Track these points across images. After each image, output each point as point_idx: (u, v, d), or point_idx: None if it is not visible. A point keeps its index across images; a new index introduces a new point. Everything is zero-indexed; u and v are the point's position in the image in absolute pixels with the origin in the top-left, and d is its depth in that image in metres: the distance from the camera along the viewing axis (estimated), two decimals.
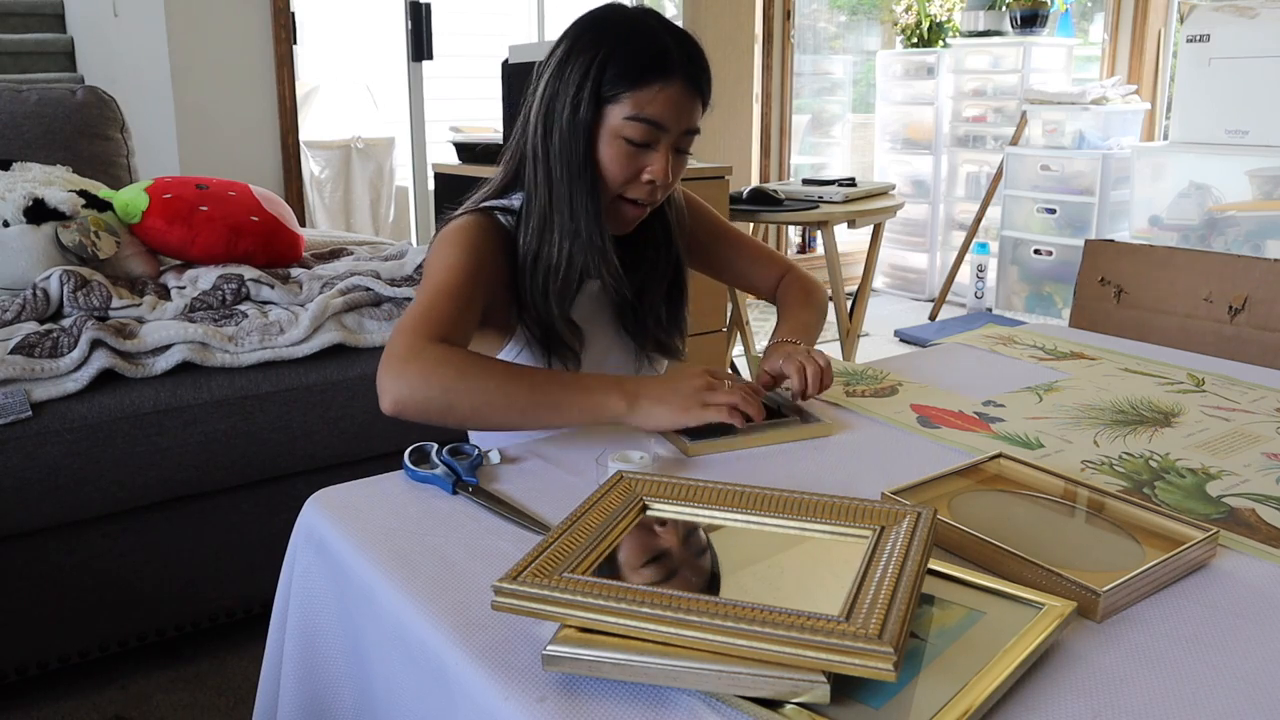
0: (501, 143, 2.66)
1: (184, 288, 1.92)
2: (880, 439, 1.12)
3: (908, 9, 5.13)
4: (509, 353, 1.23)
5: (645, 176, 1.14)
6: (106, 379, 1.61)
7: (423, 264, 1.24)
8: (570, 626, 0.65)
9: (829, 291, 1.49)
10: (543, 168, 1.15)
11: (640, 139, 1.12)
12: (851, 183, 3.37)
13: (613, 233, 1.18)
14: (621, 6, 1.17)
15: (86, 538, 1.63)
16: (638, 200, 1.17)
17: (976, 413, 1.20)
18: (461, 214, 1.20)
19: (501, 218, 1.21)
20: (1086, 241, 2.05)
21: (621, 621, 0.63)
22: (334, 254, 2.32)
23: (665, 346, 1.32)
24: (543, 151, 1.15)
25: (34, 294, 1.75)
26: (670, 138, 1.13)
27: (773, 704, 0.61)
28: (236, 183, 2.17)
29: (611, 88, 1.11)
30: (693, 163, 2.24)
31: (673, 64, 1.11)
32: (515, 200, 1.21)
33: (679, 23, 1.30)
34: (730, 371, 1.07)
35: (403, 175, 4.73)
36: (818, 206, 3.10)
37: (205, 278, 1.93)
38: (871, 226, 3.37)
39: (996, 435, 1.12)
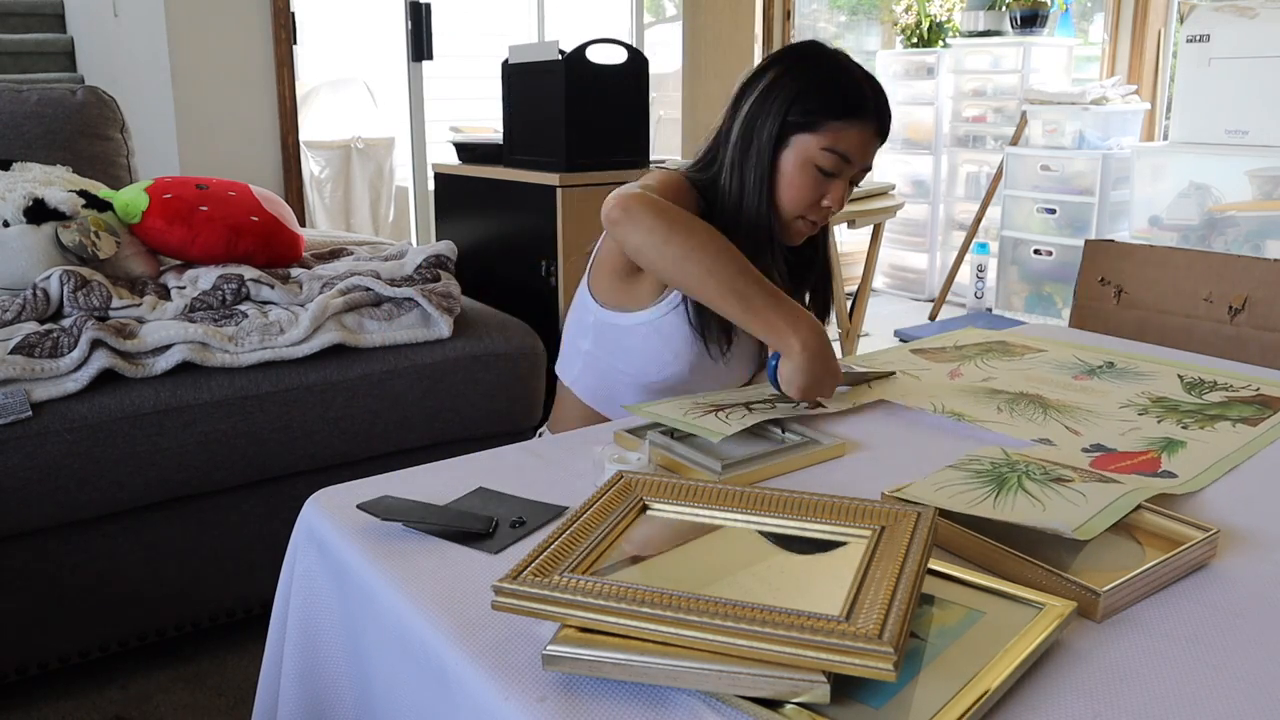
0: (500, 143, 2.66)
1: (184, 288, 1.92)
2: (880, 439, 1.12)
3: (908, 9, 5.13)
4: (659, 309, 1.32)
5: (825, 203, 1.29)
6: (106, 379, 1.61)
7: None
8: (570, 626, 0.65)
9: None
10: (738, 174, 1.29)
11: (830, 169, 1.27)
12: None
13: (786, 243, 1.34)
14: (823, 44, 1.32)
15: (86, 538, 1.63)
16: (814, 220, 1.32)
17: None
18: (665, 169, 1.33)
19: (694, 184, 1.33)
20: (1086, 241, 2.05)
21: (621, 621, 0.63)
22: (334, 254, 2.32)
23: None
24: (740, 164, 1.29)
25: (34, 294, 1.76)
26: (852, 171, 1.30)
27: (773, 704, 0.61)
28: (236, 183, 2.17)
29: (814, 116, 1.25)
30: None
31: (869, 107, 1.27)
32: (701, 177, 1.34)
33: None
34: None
35: (403, 175, 4.73)
36: None
37: (205, 278, 1.93)
38: (871, 226, 3.37)
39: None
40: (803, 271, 1.40)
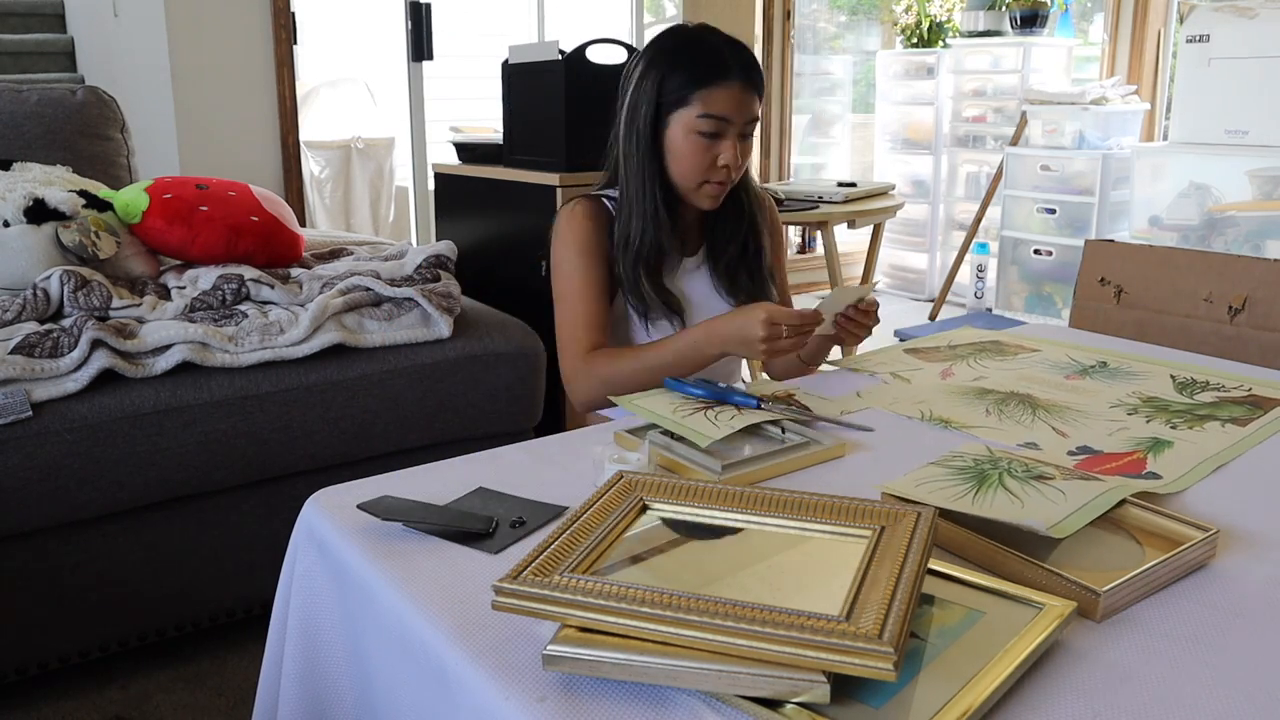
0: (501, 143, 2.66)
1: (184, 288, 1.92)
2: (879, 440, 1.12)
3: (908, 9, 5.13)
4: (620, 310, 1.50)
5: (720, 162, 1.40)
6: (106, 379, 1.61)
7: (549, 251, 1.51)
8: (570, 626, 0.65)
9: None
10: (627, 165, 1.43)
11: (710, 131, 1.38)
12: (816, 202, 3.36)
13: (705, 208, 1.47)
14: (684, 26, 1.44)
15: (86, 538, 1.63)
16: (718, 181, 1.42)
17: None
18: (569, 204, 1.49)
19: (606, 202, 1.49)
20: (1086, 241, 2.05)
21: (621, 621, 0.63)
22: (334, 254, 2.32)
23: (756, 296, 1.54)
24: (627, 152, 1.43)
25: (34, 294, 1.75)
26: (734, 128, 1.39)
27: (773, 704, 0.61)
28: (236, 183, 2.17)
29: (682, 91, 1.38)
30: None
31: (731, 67, 1.37)
32: (614, 192, 1.49)
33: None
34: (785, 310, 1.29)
35: (403, 175, 4.73)
36: (818, 206, 3.10)
37: (205, 278, 1.93)
38: (871, 226, 3.37)
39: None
40: (731, 225, 1.53)
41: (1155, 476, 1.01)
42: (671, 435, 1.09)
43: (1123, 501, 0.90)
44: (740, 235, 1.53)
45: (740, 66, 1.38)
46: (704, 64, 1.38)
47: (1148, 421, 1.18)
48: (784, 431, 1.10)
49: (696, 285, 1.53)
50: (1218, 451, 1.08)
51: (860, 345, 1.52)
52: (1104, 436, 1.13)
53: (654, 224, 1.43)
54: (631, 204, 1.44)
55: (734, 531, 0.79)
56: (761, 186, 1.61)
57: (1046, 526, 0.82)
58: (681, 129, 1.39)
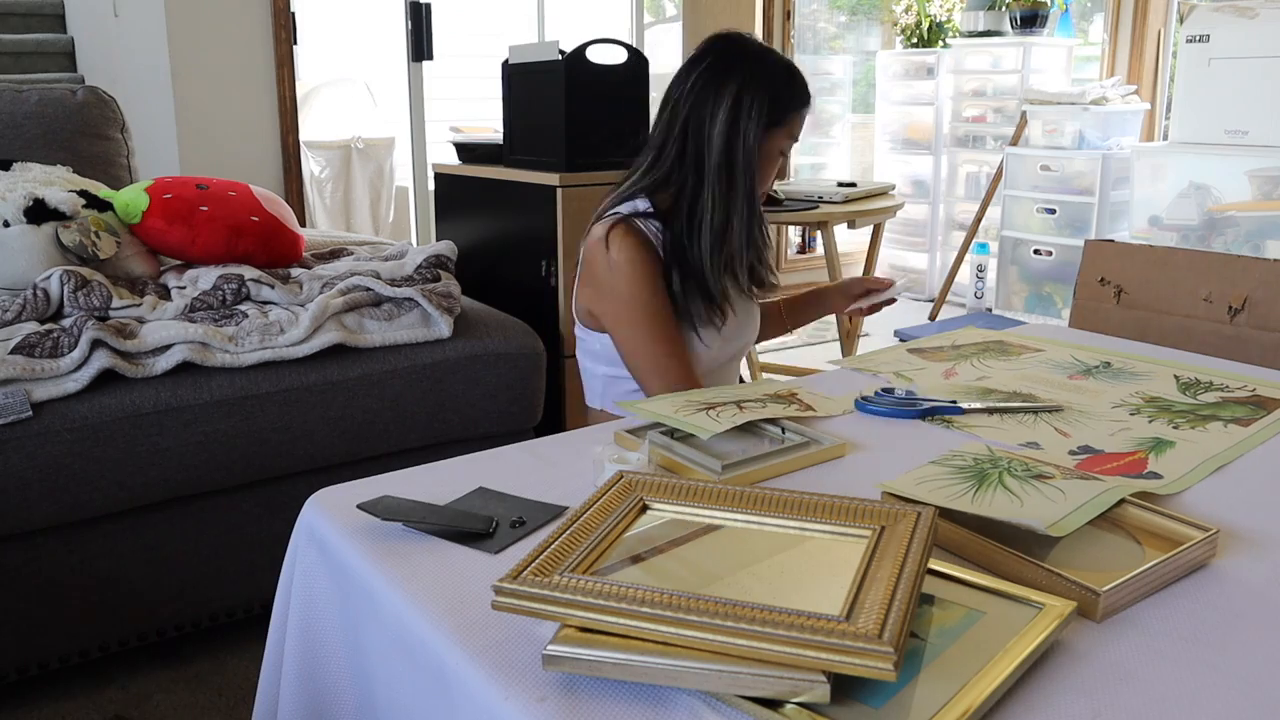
0: (501, 143, 2.66)
1: (184, 288, 1.92)
2: (880, 439, 1.12)
3: (908, 9, 5.13)
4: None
5: (774, 177, 1.52)
6: (106, 379, 1.61)
7: (588, 263, 1.51)
8: (570, 626, 0.65)
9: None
10: (727, 179, 1.44)
11: (788, 150, 1.51)
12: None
13: None
14: (754, 41, 1.49)
15: (86, 538, 1.63)
16: (765, 194, 1.52)
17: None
18: (611, 221, 1.47)
19: (640, 223, 1.48)
20: (1086, 241, 2.05)
21: (621, 621, 0.63)
22: (334, 254, 2.32)
23: (761, 281, 1.61)
24: (728, 166, 1.44)
25: (34, 294, 1.75)
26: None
27: (773, 704, 0.61)
28: (236, 183, 2.17)
29: (783, 113, 1.45)
30: None
31: (808, 91, 1.49)
32: (639, 204, 1.50)
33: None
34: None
35: (403, 175, 4.73)
36: (818, 206, 3.10)
37: (205, 278, 1.93)
38: (871, 227, 3.37)
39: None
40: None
41: (1156, 476, 1.01)
42: (672, 435, 1.09)
43: (1122, 501, 0.90)
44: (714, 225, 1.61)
45: (808, 91, 1.50)
46: (799, 90, 1.47)
47: (1150, 422, 1.18)
48: (784, 431, 1.10)
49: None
50: (1219, 452, 1.08)
51: (862, 345, 1.54)
52: (1106, 437, 1.13)
53: (761, 232, 1.53)
54: (728, 218, 1.46)
55: (734, 531, 0.79)
56: None
57: (1045, 525, 0.82)
58: (773, 147, 1.47)
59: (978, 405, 1.22)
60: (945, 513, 0.84)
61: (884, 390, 1.25)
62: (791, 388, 1.31)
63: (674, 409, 1.14)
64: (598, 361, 1.57)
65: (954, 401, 1.23)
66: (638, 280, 1.44)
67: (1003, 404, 1.23)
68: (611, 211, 1.50)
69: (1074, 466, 1.02)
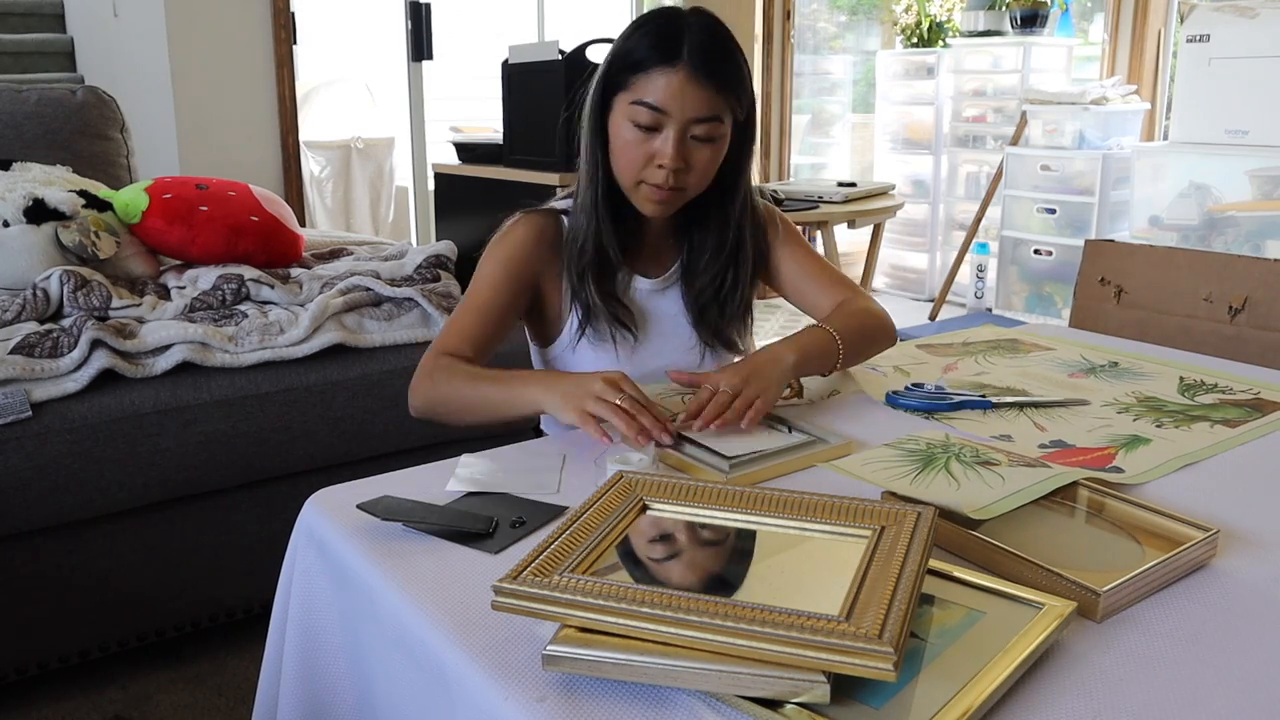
0: (500, 143, 2.66)
1: (184, 288, 1.92)
2: (881, 440, 1.12)
3: (908, 9, 5.13)
4: (566, 337, 1.34)
5: (656, 161, 1.19)
6: (106, 379, 1.61)
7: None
8: (570, 626, 0.65)
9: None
10: (585, 157, 1.26)
11: (646, 123, 1.17)
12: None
13: (646, 214, 1.26)
14: (668, 6, 1.25)
15: (86, 538, 1.63)
16: (657, 184, 1.21)
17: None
18: (520, 213, 1.33)
19: (564, 216, 1.32)
20: (1086, 241, 2.05)
21: (621, 621, 0.63)
22: (334, 254, 2.32)
23: (724, 338, 1.37)
24: (581, 141, 1.26)
25: (34, 294, 1.75)
26: (676, 123, 1.17)
27: (773, 704, 0.61)
28: (236, 183, 2.17)
29: (620, 75, 1.19)
30: None
31: (677, 51, 1.15)
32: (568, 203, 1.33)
33: None
34: (635, 385, 1.03)
35: (403, 175, 4.73)
36: (818, 206, 3.10)
37: (205, 278, 1.93)
38: (871, 226, 3.38)
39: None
40: (711, 254, 1.32)
41: (1118, 470, 1.01)
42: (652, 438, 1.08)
43: (1114, 497, 0.90)
44: (718, 266, 1.32)
45: (698, 53, 1.15)
46: (654, 42, 1.16)
47: (1135, 420, 1.18)
48: (790, 430, 1.10)
49: (664, 306, 1.35)
50: (1191, 450, 1.08)
51: None
52: (1083, 433, 1.13)
53: (594, 224, 1.26)
54: (580, 202, 1.28)
55: (734, 531, 0.79)
56: (764, 202, 1.41)
57: (970, 510, 0.85)
58: (620, 116, 1.20)
59: (1008, 400, 1.23)
60: (947, 513, 0.84)
61: (913, 385, 1.26)
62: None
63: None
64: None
65: (983, 395, 1.24)
66: (489, 260, 1.29)
67: (1031, 399, 1.24)
68: (544, 206, 1.36)
69: (1039, 458, 1.03)
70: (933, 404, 1.21)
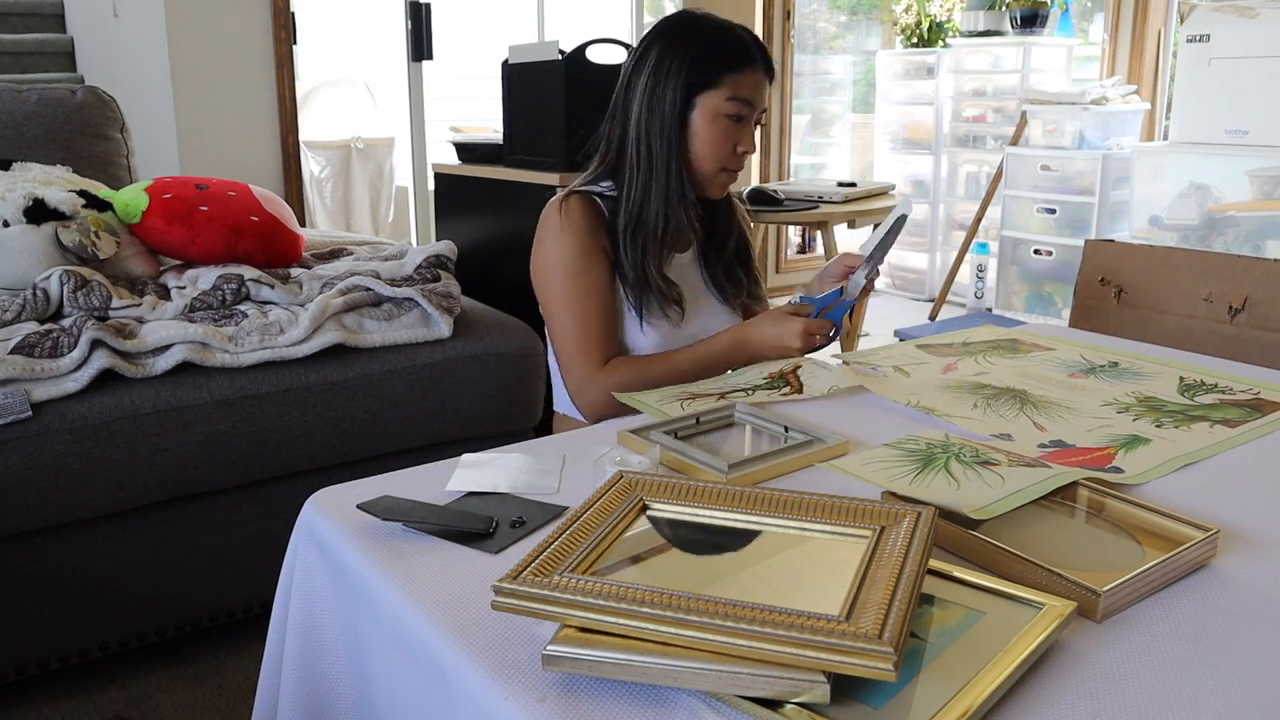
0: (501, 143, 2.66)
1: (184, 288, 1.92)
2: (882, 439, 1.12)
3: (908, 9, 5.13)
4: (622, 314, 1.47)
5: (740, 149, 1.41)
6: (106, 379, 1.61)
7: (534, 248, 1.47)
8: (570, 626, 0.65)
9: None
10: (646, 147, 1.39)
11: (736, 115, 1.38)
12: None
13: (714, 197, 1.47)
14: (694, 12, 1.43)
15: (86, 538, 1.63)
16: (734, 169, 1.43)
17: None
18: (561, 197, 1.44)
19: (596, 198, 1.44)
20: (1086, 241, 2.05)
21: (621, 621, 0.63)
22: (334, 254, 2.32)
23: (753, 293, 1.57)
24: (647, 134, 1.39)
25: (34, 294, 1.75)
26: (755, 114, 1.41)
27: (773, 704, 0.61)
28: (236, 183, 2.17)
29: (713, 73, 1.37)
30: None
31: (755, 53, 1.39)
32: (603, 186, 1.46)
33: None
34: (810, 307, 1.37)
35: (403, 175, 4.73)
36: (817, 207, 3.10)
37: (205, 278, 1.93)
38: (871, 226, 3.37)
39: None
40: (727, 222, 1.54)
41: (1118, 470, 1.01)
42: (676, 434, 1.09)
43: (1114, 497, 0.90)
44: (736, 231, 1.54)
45: (761, 54, 1.40)
46: (733, 48, 1.38)
47: (1135, 420, 1.18)
48: (787, 431, 1.11)
49: (688, 279, 1.50)
50: (1191, 450, 1.08)
51: (861, 345, 1.53)
52: (1082, 433, 1.13)
53: (681, 205, 1.41)
54: (649, 187, 1.39)
55: (734, 531, 0.79)
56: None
57: (970, 509, 0.85)
58: (710, 111, 1.37)
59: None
60: (946, 513, 0.84)
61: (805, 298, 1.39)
62: (795, 361, 1.35)
63: (657, 399, 1.20)
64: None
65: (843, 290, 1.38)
66: (570, 247, 1.39)
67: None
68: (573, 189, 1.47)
69: (1038, 457, 1.03)
70: (830, 299, 1.36)
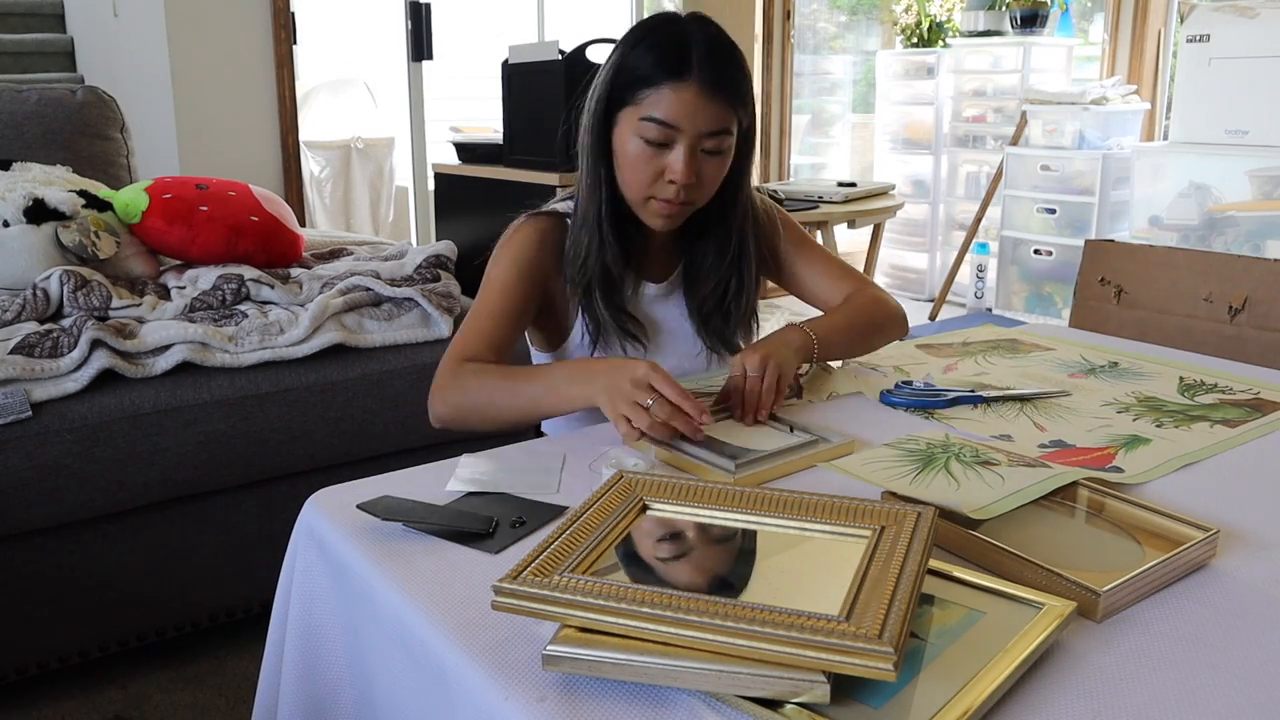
0: (500, 143, 2.66)
1: (184, 288, 1.92)
2: (883, 439, 1.12)
3: (908, 9, 5.13)
4: (574, 343, 1.33)
5: (667, 177, 1.17)
6: (106, 379, 1.61)
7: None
8: (570, 626, 0.65)
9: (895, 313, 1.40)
10: (585, 169, 1.24)
11: (656, 139, 1.16)
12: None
13: (654, 228, 1.25)
14: (666, 13, 1.22)
15: (86, 538, 1.63)
16: (666, 199, 1.20)
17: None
18: (524, 216, 1.31)
19: (566, 219, 1.30)
20: (1086, 241, 2.05)
21: (621, 621, 0.63)
22: (334, 254, 2.32)
23: (730, 345, 1.37)
24: (580, 153, 1.24)
25: (34, 294, 1.76)
26: (687, 138, 1.16)
27: (773, 704, 0.61)
28: (236, 183, 2.17)
29: (630, 88, 1.17)
30: None
31: (687, 65, 1.14)
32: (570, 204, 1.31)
33: None
34: (668, 378, 1.04)
35: (403, 175, 4.73)
36: (817, 206, 3.10)
37: (205, 278, 1.93)
38: (871, 226, 3.38)
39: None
40: (713, 260, 1.32)
41: (1118, 470, 1.01)
42: (682, 435, 1.08)
43: (1114, 497, 0.90)
44: (721, 273, 1.32)
45: (706, 66, 1.14)
46: (660, 56, 1.15)
47: (1135, 420, 1.18)
48: (792, 430, 1.11)
49: (669, 311, 1.35)
50: (1191, 450, 1.08)
51: None
52: (1083, 433, 1.13)
53: (598, 240, 1.24)
54: (581, 215, 1.26)
55: (734, 531, 0.79)
56: (763, 200, 1.40)
57: (970, 509, 0.85)
58: (627, 131, 1.18)
59: (996, 394, 1.24)
60: (946, 513, 0.84)
61: (903, 383, 1.26)
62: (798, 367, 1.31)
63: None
64: None
65: (973, 390, 1.25)
66: (498, 264, 1.27)
67: (1020, 393, 1.25)
68: (547, 208, 1.34)
69: (1038, 458, 1.03)
70: (925, 401, 1.21)
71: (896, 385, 1.25)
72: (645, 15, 4.66)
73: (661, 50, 1.15)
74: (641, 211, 1.23)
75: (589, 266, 1.25)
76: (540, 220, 1.30)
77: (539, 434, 1.52)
